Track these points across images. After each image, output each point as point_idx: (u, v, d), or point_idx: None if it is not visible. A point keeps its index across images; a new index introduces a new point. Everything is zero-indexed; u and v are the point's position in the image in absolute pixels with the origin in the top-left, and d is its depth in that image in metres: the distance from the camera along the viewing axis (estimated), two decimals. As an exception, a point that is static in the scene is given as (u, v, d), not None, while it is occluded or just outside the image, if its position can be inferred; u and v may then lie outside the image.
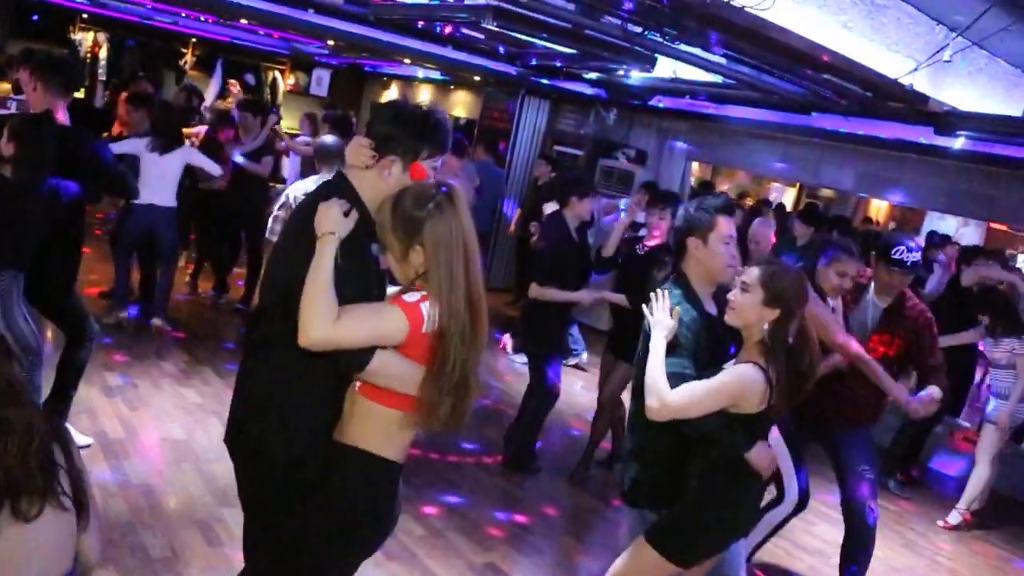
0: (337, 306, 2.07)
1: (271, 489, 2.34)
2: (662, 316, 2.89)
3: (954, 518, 6.22)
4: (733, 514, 2.93)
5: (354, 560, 2.39)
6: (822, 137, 8.19)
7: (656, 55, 5.97)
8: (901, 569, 5.40)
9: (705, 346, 2.93)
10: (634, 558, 2.98)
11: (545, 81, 10.09)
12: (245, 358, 2.45)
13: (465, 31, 6.76)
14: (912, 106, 6.03)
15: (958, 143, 7.13)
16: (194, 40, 14.18)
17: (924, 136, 7.36)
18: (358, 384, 2.24)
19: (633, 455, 3.08)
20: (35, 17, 12.75)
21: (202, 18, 10.45)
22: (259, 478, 2.36)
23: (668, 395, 2.73)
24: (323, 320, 2.04)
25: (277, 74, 15.72)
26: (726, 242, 3.09)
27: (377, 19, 6.19)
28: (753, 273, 2.85)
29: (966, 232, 11.28)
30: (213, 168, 6.85)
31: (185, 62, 14.52)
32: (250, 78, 14.70)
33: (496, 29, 7.21)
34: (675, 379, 2.77)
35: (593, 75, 8.83)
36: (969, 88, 6.59)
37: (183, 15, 10.43)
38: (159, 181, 6.49)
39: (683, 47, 6.03)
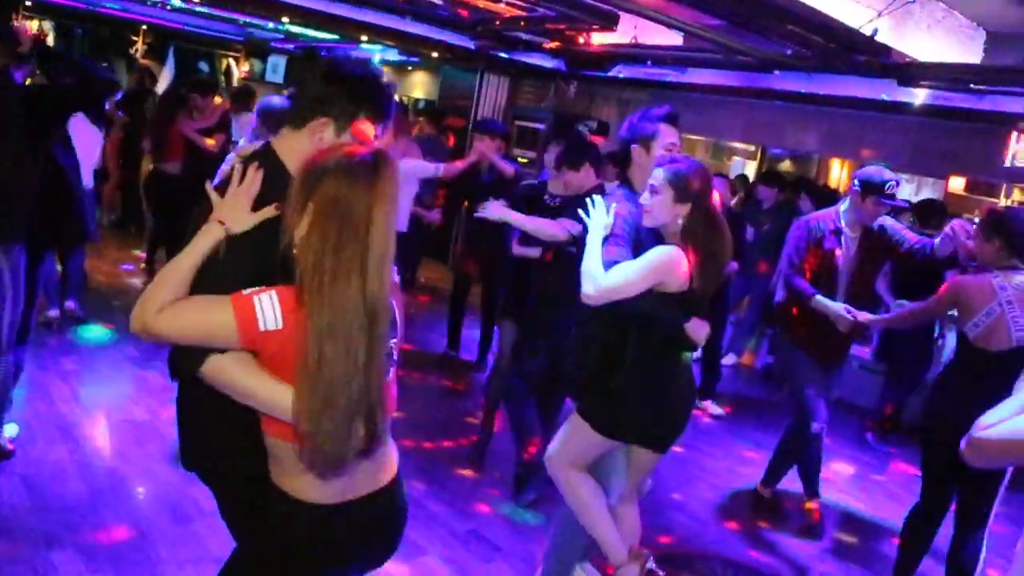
0: (179, 295, 1.75)
1: (234, 503, 2.21)
2: (597, 215, 3.07)
3: None
4: (660, 393, 3.05)
5: None
6: (784, 99, 8.15)
7: (618, 12, 5.85)
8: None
9: (644, 242, 3.06)
10: (566, 432, 3.22)
11: (504, 55, 9.95)
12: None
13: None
14: (875, 58, 6.00)
15: (920, 97, 7.14)
16: (144, 27, 13.82)
17: (886, 92, 7.35)
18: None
19: (578, 349, 3.21)
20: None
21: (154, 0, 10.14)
22: (225, 492, 2.22)
23: (602, 277, 2.87)
24: (149, 307, 1.72)
25: (231, 61, 15.40)
26: (668, 149, 3.24)
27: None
28: (659, 175, 2.98)
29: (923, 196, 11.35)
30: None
31: (136, 50, 14.16)
32: (203, 66, 14.40)
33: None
34: (613, 266, 2.93)
35: (553, 44, 8.70)
36: (928, 42, 6.58)
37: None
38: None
39: (644, 7, 5.98)
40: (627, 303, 2.88)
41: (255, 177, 1.88)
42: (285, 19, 9.23)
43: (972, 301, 3.63)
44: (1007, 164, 7.06)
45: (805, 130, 8.70)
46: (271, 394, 1.74)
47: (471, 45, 9.68)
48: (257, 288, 1.74)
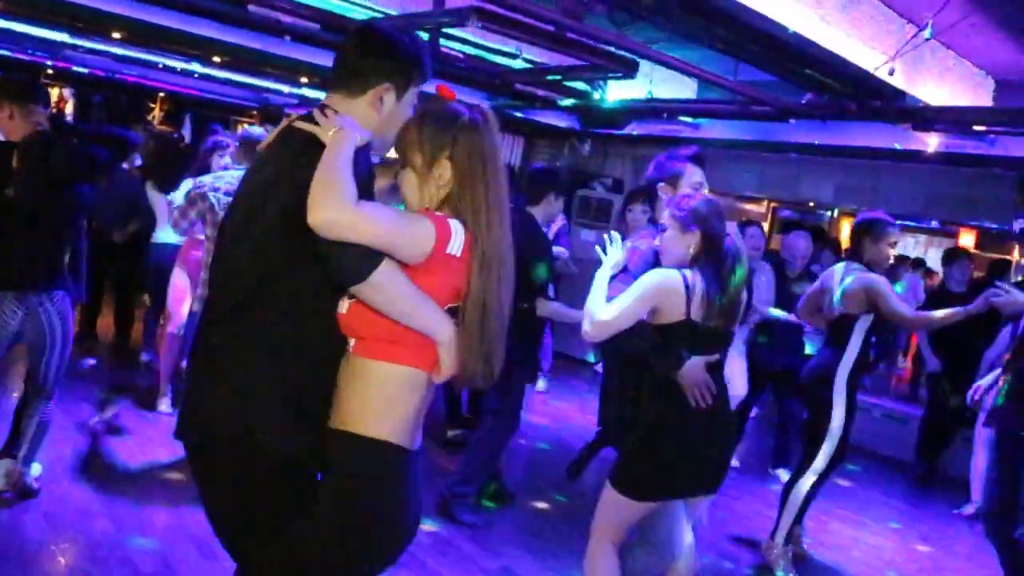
0: (356, 195, 1.76)
1: (264, 496, 1.95)
2: (613, 252, 3.03)
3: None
4: (677, 444, 2.90)
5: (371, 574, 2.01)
6: (798, 151, 8.29)
7: (638, 60, 5.99)
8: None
9: None
10: (602, 500, 3.04)
11: (519, 115, 10.15)
12: (206, 337, 2.04)
13: (444, 49, 6.77)
14: (889, 103, 6.10)
15: (932, 145, 7.26)
16: (162, 95, 14.14)
17: (899, 141, 7.48)
18: (351, 344, 1.90)
19: (605, 403, 3.26)
20: (-2, 73, 12.65)
21: (174, 64, 10.40)
22: (247, 483, 1.96)
23: (598, 312, 2.82)
24: (340, 198, 1.71)
25: (246, 127, 15.67)
26: (695, 188, 3.23)
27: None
28: (665, 213, 3.00)
29: (931, 256, 11.42)
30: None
31: (153, 117, 14.44)
32: (219, 128, 14.62)
33: (474, 53, 7.29)
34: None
35: (568, 101, 8.88)
36: (939, 88, 6.71)
37: (158, 63, 10.37)
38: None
39: (663, 50, 6.12)
40: (619, 343, 2.84)
41: (330, 111, 1.98)
42: (304, 79, 9.47)
43: None
44: (1020, 214, 7.14)
45: (820, 182, 8.80)
46: (433, 313, 1.85)
47: (486, 103, 9.86)
48: (444, 214, 1.91)
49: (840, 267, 4.50)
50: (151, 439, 5.20)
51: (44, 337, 3.86)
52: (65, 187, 3.80)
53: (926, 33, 5.12)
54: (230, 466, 1.95)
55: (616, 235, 3.12)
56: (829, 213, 11.51)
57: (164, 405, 5.65)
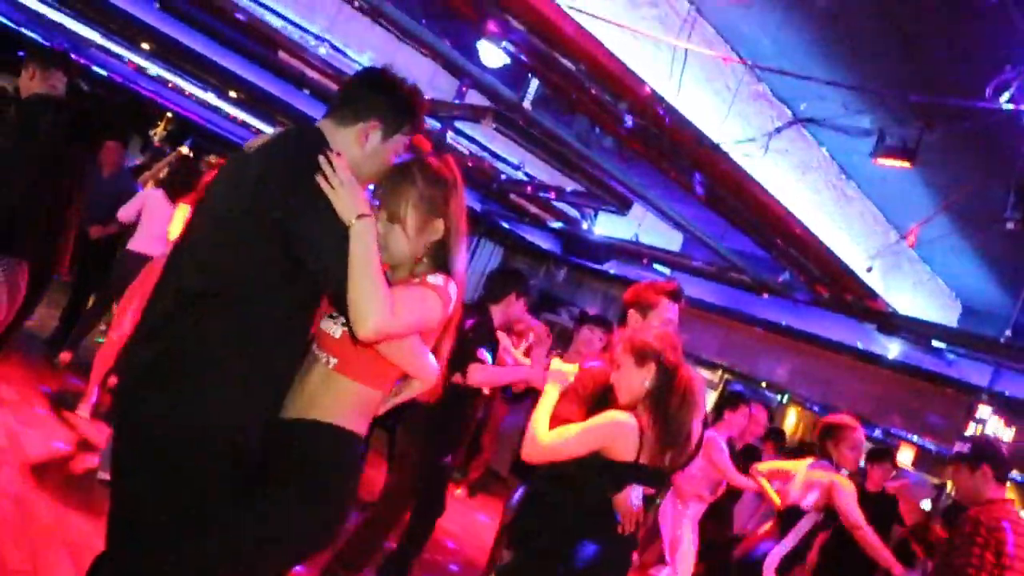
0: (390, 293, 1.91)
1: (200, 483, 1.93)
2: (559, 367, 2.99)
3: None
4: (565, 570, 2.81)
5: (314, 550, 2.14)
6: (765, 327, 8.44)
7: (632, 199, 6.15)
8: None
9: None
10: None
11: (505, 224, 10.30)
12: (166, 322, 2.00)
13: (451, 141, 6.93)
14: (861, 300, 6.29)
15: (893, 352, 7.44)
16: (169, 115, 14.24)
17: (862, 341, 7.67)
18: (332, 362, 2.03)
19: (524, 502, 3.12)
20: (21, 53, 12.64)
21: (191, 89, 10.52)
22: (184, 469, 1.93)
23: (542, 435, 2.78)
24: (385, 310, 1.87)
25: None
26: (665, 323, 3.18)
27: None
28: (617, 349, 2.93)
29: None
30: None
31: (155, 133, 14.49)
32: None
33: (479, 152, 7.46)
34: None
35: (557, 224, 9.04)
36: (910, 299, 6.95)
37: (175, 84, 10.49)
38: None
39: (658, 198, 6.30)
40: (564, 465, 2.78)
41: (341, 163, 1.96)
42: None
43: None
44: (968, 433, 7.25)
45: (778, 363, 8.94)
46: (424, 360, 2.08)
47: (478, 206, 10.03)
48: (438, 280, 2.05)
49: (808, 460, 4.51)
50: (56, 432, 4.98)
51: None
52: (62, 147, 3.77)
53: (910, 240, 5.29)
54: (169, 451, 1.93)
55: (557, 358, 3.09)
56: (779, 398, 11.67)
57: (83, 411, 5.42)
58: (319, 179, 1.89)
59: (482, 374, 4.27)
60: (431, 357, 2.11)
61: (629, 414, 2.77)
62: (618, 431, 2.73)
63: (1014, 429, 7.03)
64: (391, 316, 1.86)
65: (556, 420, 2.83)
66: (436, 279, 2.05)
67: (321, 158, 1.91)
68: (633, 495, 2.80)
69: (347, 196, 1.90)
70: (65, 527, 3.87)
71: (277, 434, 2.04)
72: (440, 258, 2.11)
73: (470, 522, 7.14)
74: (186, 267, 2.05)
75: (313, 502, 1.99)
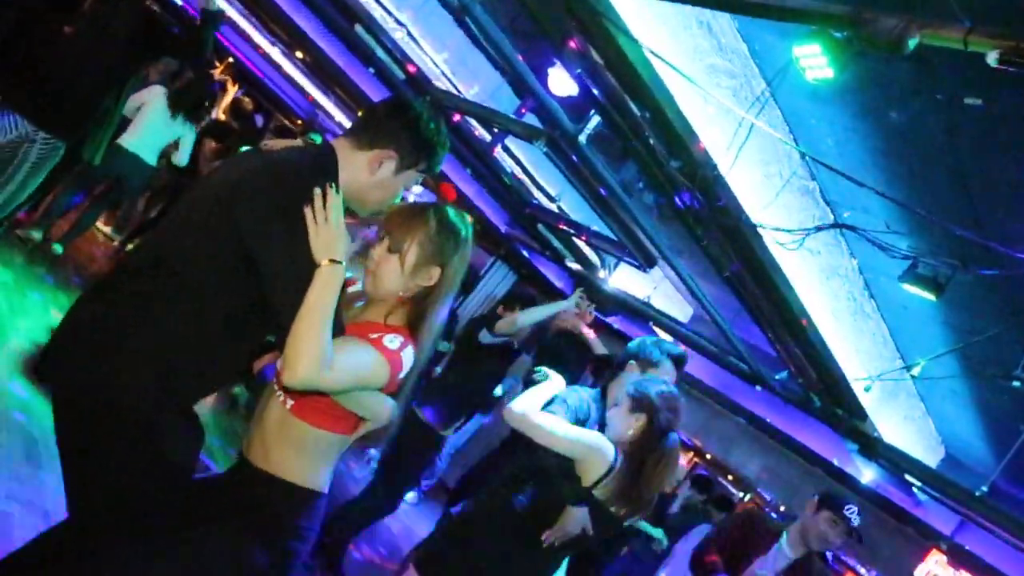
0: (332, 348, 1.83)
1: (114, 455, 1.92)
2: (557, 382, 3.08)
3: None
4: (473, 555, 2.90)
5: None
6: (748, 419, 8.39)
7: (657, 258, 6.16)
8: None
9: None
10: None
11: (525, 253, 10.30)
12: (114, 286, 2.02)
13: (496, 155, 6.97)
14: (852, 417, 6.27)
15: (866, 477, 7.39)
16: (230, 60, 14.28)
17: (838, 459, 7.62)
18: (289, 403, 1.97)
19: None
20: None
21: (257, 39, 10.60)
22: (100, 437, 1.91)
23: (532, 409, 2.85)
24: (319, 364, 1.79)
25: (286, 124, 15.80)
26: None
27: (434, 101, 6.36)
28: (627, 389, 3.02)
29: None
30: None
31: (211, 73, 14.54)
32: (260, 119, 14.75)
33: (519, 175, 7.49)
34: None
35: (576, 266, 9.05)
36: (897, 431, 6.92)
37: (243, 30, 10.58)
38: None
39: (682, 267, 6.31)
40: (542, 451, 2.84)
41: (335, 202, 1.91)
42: (361, 114, 9.63)
43: None
44: (915, 573, 7.20)
45: (751, 457, 8.89)
46: (380, 404, 2.04)
47: (502, 227, 10.04)
48: (395, 343, 1.99)
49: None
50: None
51: (6, 167, 3.71)
52: (123, 46, 3.83)
53: (916, 371, 5.29)
54: (81, 421, 1.90)
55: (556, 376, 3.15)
56: (741, 495, 11.60)
57: None
58: (307, 210, 1.86)
59: (524, 315, 4.55)
60: (385, 401, 2.05)
61: (615, 448, 2.83)
62: (597, 454, 2.80)
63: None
64: (323, 370, 1.79)
65: None
66: (394, 342, 1.98)
67: (317, 190, 1.88)
68: (580, 518, 2.84)
69: (328, 236, 1.86)
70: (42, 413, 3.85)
71: (235, 476, 2.06)
72: (419, 310, 2.06)
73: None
74: (164, 232, 2.09)
75: (249, 547, 1.92)
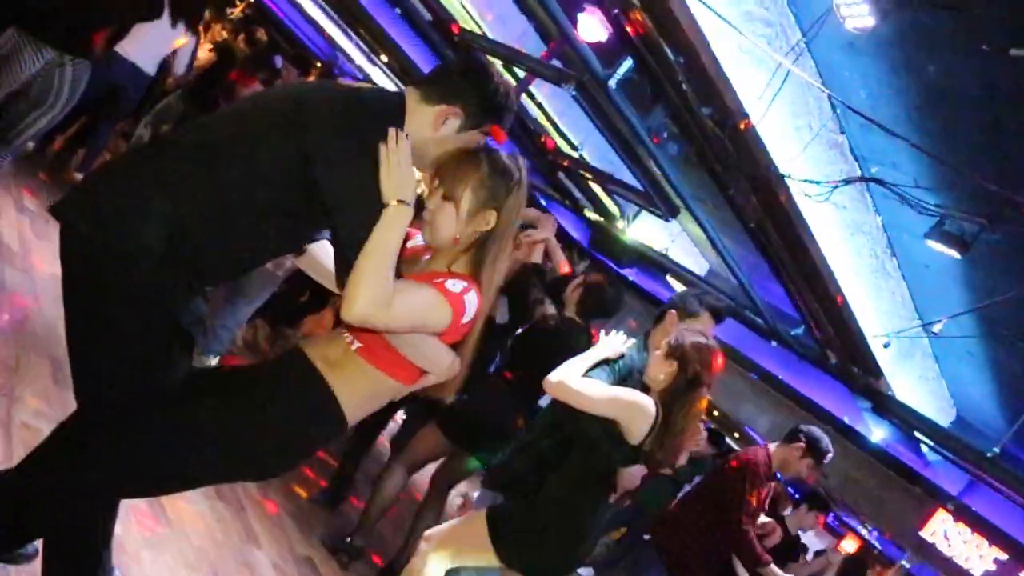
0: (393, 287, 1.83)
1: (104, 308, 1.87)
2: (615, 340, 3.08)
3: None
4: (571, 528, 2.93)
5: (234, 478, 2.17)
6: (760, 375, 8.44)
7: (680, 208, 6.15)
8: None
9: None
10: (466, 524, 3.05)
11: (543, 202, 10.28)
12: (148, 148, 2.13)
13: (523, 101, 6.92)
14: (867, 375, 6.30)
15: (876, 436, 7.45)
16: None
17: (849, 416, 7.67)
18: (356, 345, 2.00)
19: (514, 448, 3.24)
20: None
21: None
22: (95, 286, 1.87)
23: (572, 376, 2.86)
24: (380, 300, 1.80)
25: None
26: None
27: (462, 44, 6.30)
28: (660, 331, 3.14)
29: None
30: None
31: (231, 12, 14.40)
32: (278, 60, 14.65)
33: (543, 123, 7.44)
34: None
35: (595, 216, 9.04)
36: (910, 391, 6.96)
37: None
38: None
39: (704, 216, 6.30)
40: (585, 419, 2.86)
41: (405, 146, 1.92)
42: (384, 58, 9.58)
43: None
44: (921, 533, 7.29)
45: (761, 413, 8.96)
46: (441, 354, 2.01)
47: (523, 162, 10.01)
48: (458, 287, 1.96)
49: None
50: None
51: (48, 95, 3.73)
52: None
53: (937, 327, 5.30)
54: (87, 257, 1.86)
55: (622, 333, 3.14)
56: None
57: None
58: (381, 147, 1.86)
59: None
60: (446, 352, 2.03)
61: (652, 401, 2.86)
62: (639, 411, 2.82)
63: (972, 544, 7.07)
64: (383, 308, 1.80)
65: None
66: (457, 285, 1.97)
67: (392, 130, 1.88)
68: (636, 472, 2.88)
69: (399, 176, 1.87)
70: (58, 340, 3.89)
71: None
72: (479, 256, 2.05)
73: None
74: (210, 121, 2.08)
75: (259, 422, 1.95)
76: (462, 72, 2.08)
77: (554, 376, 2.88)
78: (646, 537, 4.53)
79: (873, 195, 5.60)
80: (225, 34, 9.90)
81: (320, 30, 11.80)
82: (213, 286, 2.08)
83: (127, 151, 2.03)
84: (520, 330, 4.30)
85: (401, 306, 1.84)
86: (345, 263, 1.82)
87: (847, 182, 5.00)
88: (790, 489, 10.84)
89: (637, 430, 2.82)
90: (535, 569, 2.96)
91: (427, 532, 3.10)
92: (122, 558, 2.69)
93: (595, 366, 3.01)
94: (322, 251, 2.18)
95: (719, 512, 4.22)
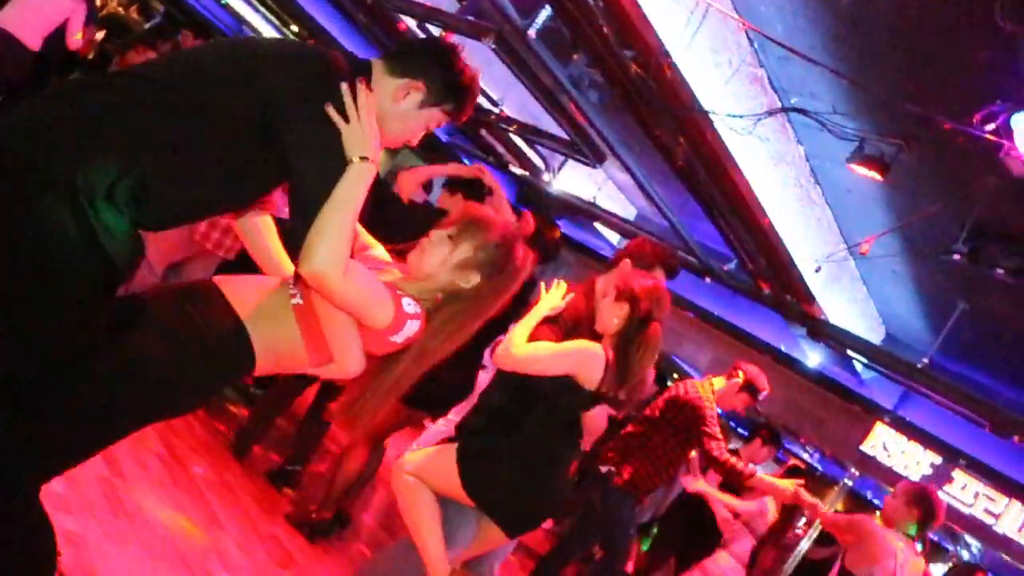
0: (350, 251, 1.80)
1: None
2: (554, 294, 3.05)
3: None
4: (534, 475, 2.93)
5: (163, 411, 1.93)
6: (696, 313, 8.60)
7: (607, 153, 6.18)
8: None
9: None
10: (435, 457, 2.99)
11: (467, 162, 10.22)
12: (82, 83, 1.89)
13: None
14: (800, 303, 6.47)
15: (812, 361, 7.69)
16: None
17: (785, 344, 7.90)
18: (296, 300, 1.92)
19: (475, 410, 3.19)
20: None
21: None
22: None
23: (518, 346, 2.85)
24: (338, 259, 1.76)
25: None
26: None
27: (376, 6, 6.17)
28: (604, 279, 3.13)
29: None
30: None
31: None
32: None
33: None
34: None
35: (519, 171, 9.03)
36: (841, 313, 7.18)
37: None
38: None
39: (632, 160, 6.34)
40: (537, 379, 2.88)
41: (370, 101, 1.87)
42: (295, 28, 9.33)
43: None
44: (862, 447, 7.58)
45: (700, 349, 9.16)
46: (354, 348, 1.95)
47: (443, 137, 9.93)
48: (413, 304, 1.96)
49: None
50: None
51: None
52: None
53: (864, 248, 5.46)
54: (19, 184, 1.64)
55: (563, 283, 3.11)
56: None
57: None
58: (347, 101, 1.81)
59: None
60: (361, 353, 1.99)
61: (600, 346, 2.88)
62: (586, 359, 2.85)
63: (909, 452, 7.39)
64: (338, 269, 1.75)
65: (531, 340, 2.92)
66: (411, 307, 1.96)
67: (358, 83, 1.84)
68: (599, 414, 2.91)
69: (362, 132, 1.82)
70: None
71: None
72: (443, 307, 2.05)
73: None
74: (156, 62, 1.98)
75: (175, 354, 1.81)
76: (429, 49, 2.07)
77: (501, 349, 2.89)
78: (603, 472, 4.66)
79: (794, 125, 5.71)
80: (115, 5, 9.47)
81: (225, 5, 11.40)
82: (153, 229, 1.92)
83: (71, 82, 1.88)
84: None
85: (356, 280, 1.81)
86: (299, 227, 1.75)
87: (769, 114, 5.08)
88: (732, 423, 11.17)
89: (592, 377, 2.85)
90: (500, 510, 2.94)
91: (405, 457, 3.06)
92: (84, 554, 2.63)
93: (540, 324, 3.00)
94: (262, 223, 2.13)
95: (687, 440, 4.47)
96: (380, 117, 1.94)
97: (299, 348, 1.93)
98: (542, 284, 3.16)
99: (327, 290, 1.79)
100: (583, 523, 4.89)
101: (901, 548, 3.90)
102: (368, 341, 1.96)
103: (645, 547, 6.98)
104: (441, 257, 2.04)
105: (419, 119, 2.03)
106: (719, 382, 4.77)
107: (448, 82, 2.01)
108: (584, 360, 2.85)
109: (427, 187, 5.49)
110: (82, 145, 1.67)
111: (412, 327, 1.95)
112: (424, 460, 2.99)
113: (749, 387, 4.76)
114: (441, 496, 2.94)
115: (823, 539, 6.61)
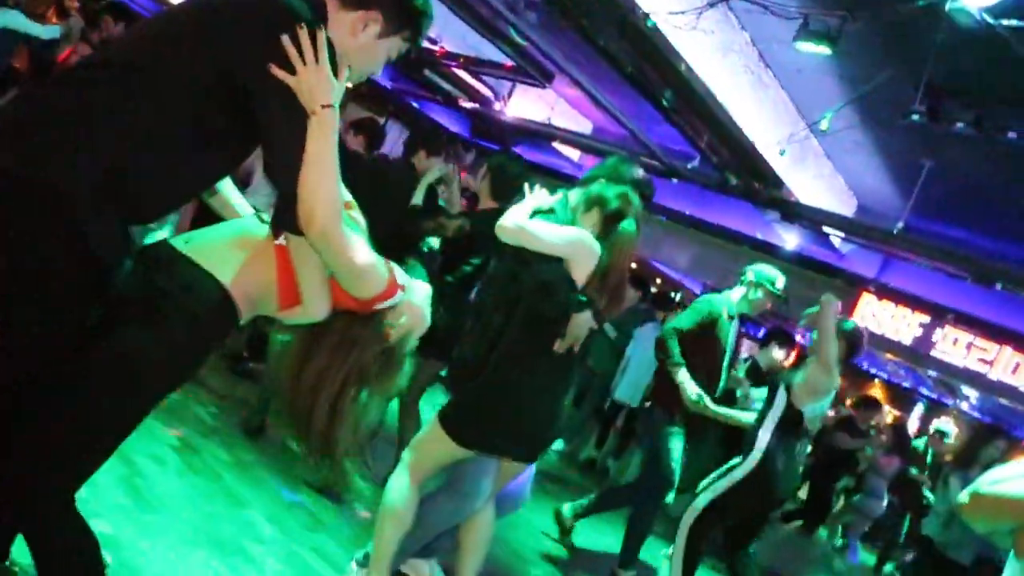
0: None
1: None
2: (541, 194, 3.03)
3: None
4: (520, 401, 2.93)
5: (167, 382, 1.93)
6: (669, 216, 8.65)
7: (554, 72, 6.12)
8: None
9: None
10: (426, 431, 3.05)
11: (415, 104, 10.10)
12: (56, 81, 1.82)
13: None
14: (768, 188, 6.51)
15: (790, 244, 7.78)
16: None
17: (760, 232, 7.97)
18: (281, 240, 1.89)
19: (466, 339, 3.23)
20: None
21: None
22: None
23: (523, 218, 2.84)
24: (335, 209, 1.74)
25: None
26: None
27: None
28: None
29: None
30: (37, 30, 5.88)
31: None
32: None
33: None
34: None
35: (469, 104, 8.93)
36: (810, 191, 7.24)
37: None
38: None
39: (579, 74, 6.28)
40: (535, 265, 2.87)
41: (323, 43, 1.76)
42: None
43: None
44: (851, 319, 7.71)
45: (680, 250, 9.23)
46: (324, 297, 1.93)
47: (388, 84, 9.76)
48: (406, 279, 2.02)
49: None
50: None
51: None
52: None
53: (824, 124, 5.49)
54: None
55: (542, 190, 3.07)
56: (674, 295, 12.09)
57: None
58: (305, 45, 1.71)
59: None
60: (328, 300, 1.97)
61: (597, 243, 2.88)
62: (584, 246, 2.84)
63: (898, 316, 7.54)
64: (338, 218, 1.73)
65: None
66: (403, 277, 1.99)
67: (301, 30, 1.71)
68: (585, 320, 2.91)
69: (316, 79, 1.71)
70: None
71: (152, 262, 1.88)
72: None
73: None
74: (121, 41, 1.98)
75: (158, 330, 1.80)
76: None
77: (508, 222, 2.86)
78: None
79: (737, 14, 5.67)
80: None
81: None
82: (141, 223, 1.90)
83: (39, 83, 1.83)
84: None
85: (352, 235, 1.80)
86: (286, 186, 1.73)
87: (710, 5, 5.05)
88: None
89: (584, 271, 2.86)
90: (500, 447, 2.98)
91: (405, 452, 3.09)
92: (122, 554, 2.67)
93: (532, 215, 3.03)
94: (229, 187, 2.14)
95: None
96: (341, 54, 1.92)
97: (272, 291, 1.94)
98: (526, 186, 3.15)
99: (334, 246, 1.77)
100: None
101: None
102: (346, 297, 1.95)
103: None
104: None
105: (379, 49, 1.98)
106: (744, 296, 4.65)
107: (402, 9, 1.97)
108: (586, 248, 2.86)
109: (379, 140, 5.45)
110: (59, 147, 1.64)
111: (398, 299, 1.97)
112: (416, 443, 3.07)
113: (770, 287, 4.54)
114: (452, 463, 3.00)
115: (852, 429, 6.65)
